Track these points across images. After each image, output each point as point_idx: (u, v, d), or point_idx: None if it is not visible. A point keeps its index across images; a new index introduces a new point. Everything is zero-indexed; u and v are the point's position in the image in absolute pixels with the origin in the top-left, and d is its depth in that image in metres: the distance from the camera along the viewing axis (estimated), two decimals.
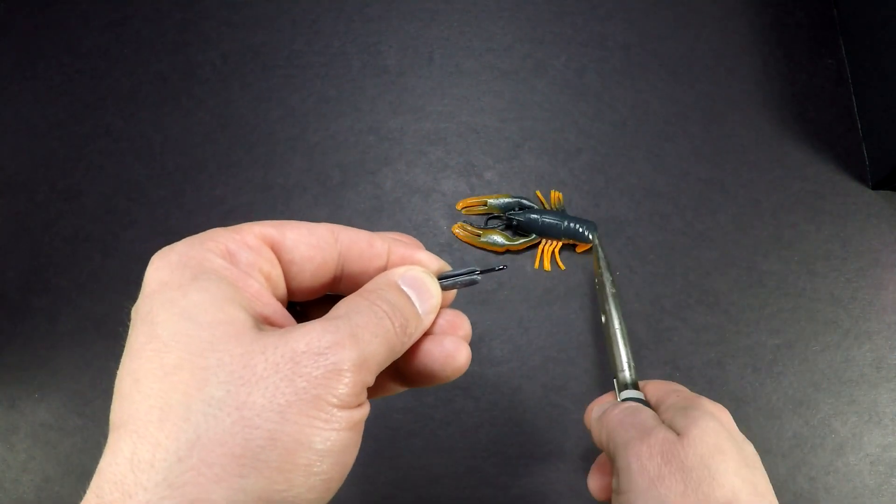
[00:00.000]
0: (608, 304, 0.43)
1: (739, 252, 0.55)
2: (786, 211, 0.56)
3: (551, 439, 0.50)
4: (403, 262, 0.25)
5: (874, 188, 0.56)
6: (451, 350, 0.25)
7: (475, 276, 0.26)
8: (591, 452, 0.50)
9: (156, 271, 0.21)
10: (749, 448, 0.33)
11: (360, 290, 0.24)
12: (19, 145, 0.61)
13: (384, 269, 0.25)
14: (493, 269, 0.29)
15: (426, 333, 0.25)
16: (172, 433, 0.18)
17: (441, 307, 0.26)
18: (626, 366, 0.41)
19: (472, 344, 0.56)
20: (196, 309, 0.20)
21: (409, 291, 0.24)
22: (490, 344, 0.53)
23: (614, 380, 0.41)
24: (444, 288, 0.26)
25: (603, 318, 0.44)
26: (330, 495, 0.20)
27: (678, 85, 0.60)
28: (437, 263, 0.26)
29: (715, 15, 0.63)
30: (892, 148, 0.54)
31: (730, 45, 0.62)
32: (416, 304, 0.24)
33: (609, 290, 0.44)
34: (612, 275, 0.45)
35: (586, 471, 0.49)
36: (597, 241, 0.50)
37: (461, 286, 0.27)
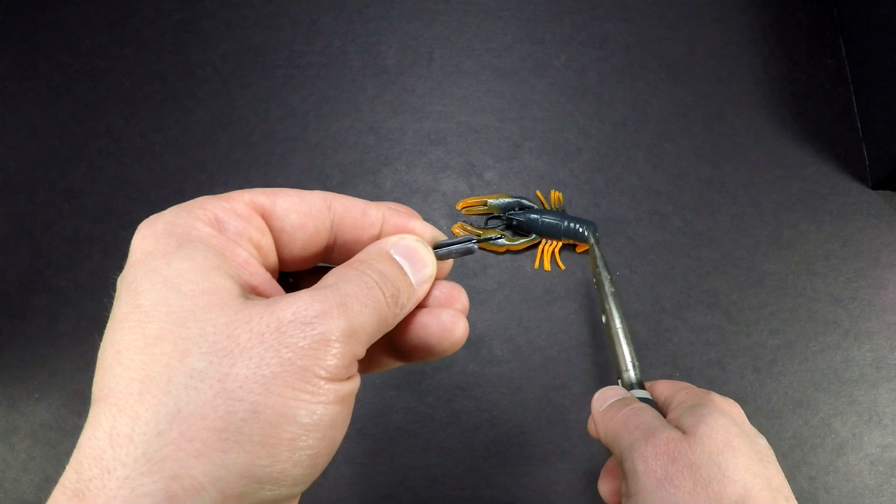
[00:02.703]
0: (608, 304, 0.42)
1: (739, 252, 0.55)
2: (786, 211, 0.56)
3: (551, 439, 0.50)
4: (398, 232, 0.25)
5: (874, 188, 0.56)
6: (448, 323, 0.24)
7: (471, 245, 0.25)
8: (590, 452, 0.50)
9: (141, 240, 0.21)
10: (762, 441, 0.32)
11: (350, 260, 0.23)
12: (19, 145, 0.61)
13: (378, 238, 0.24)
14: (489, 239, 0.29)
15: (421, 306, 0.25)
16: (152, 406, 0.18)
17: (437, 278, 0.25)
18: (629, 365, 0.40)
19: (472, 344, 0.56)
20: (180, 278, 0.19)
21: (402, 261, 0.23)
22: (490, 344, 0.53)
23: (618, 381, 0.40)
24: (439, 258, 0.25)
25: (603, 318, 0.43)
26: (317, 472, 0.20)
27: (678, 85, 0.60)
28: (431, 232, 0.25)
29: (715, 15, 0.63)
30: (892, 148, 0.54)
31: (730, 45, 0.62)
32: (409, 274, 0.23)
33: (608, 288, 0.43)
34: (610, 273, 0.44)
35: (586, 471, 0.50)
36: (593, 241, 0.48)
37: (457, 255, 0.26)
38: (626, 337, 0.41)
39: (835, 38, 0.62)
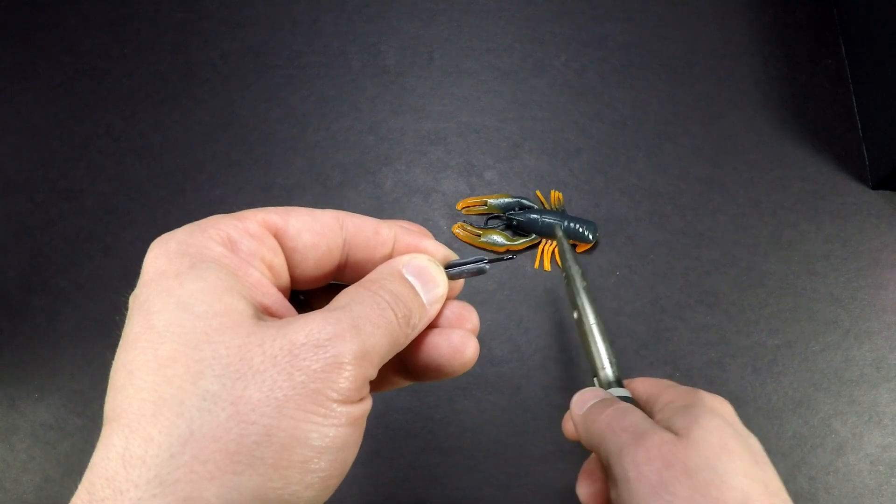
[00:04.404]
0: (580, 299, 0.39)
1: (739, 252, 0.55)
2: (786, 211, 0.56)
3: (551, 439, 0.50)
4: (409, 251, 0.25)
5: (874, 188, 0.56)
6: (459, 344, 0.24)
7: (483, 265, 0.25)
8: (590, 452, 0.50)
9: (154, 259, 0.21)
10: (754, 442, 0.31)
11: (362, 280, 0.23)
12: (19, 145, 0.61)
13: (390, 257, 0.24)
14: (501, 259, 0.28)
15: (432, 326, 0.25)
16: (165, 428, 0.18)
17: (448, 298, 0.25)
18: (606, 362, 0.37)
19: None
20: (192, 298, 0.19)
21: (414, 281, 0.23)
22: (490, 344, 0.53)
23: (595, 378, 0.38)
24: (450, 277, 0.25)
25: (575, 315, 0.40)
26: (328, 493, 0.20)
27: (678, 85, 0.60)
28: (443, 252, 0.25)
29: (715, 15, 0.63)
30: (892, 148, 0.54)
31: (730, 45, 0.62)
32: (421, 294, 0.23)
33: (579, 283, 0.40)
34: (580, 266, 0.41)
35: None
36: (560, 233, 0.44)
37: (468, 275, 0.26)
38: (601, 333, 0.38)
39: (835, 38, 0.62)
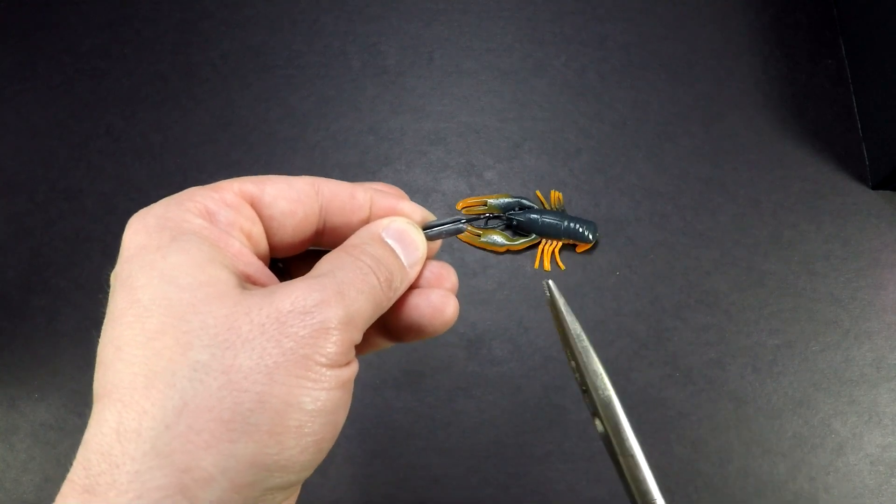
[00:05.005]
0: (589, 389, 0.24)
1: (739, 252, 0.55)
2: (786, 211, 0.56)
3: (551, 439, 0.50)
4: (387, 214, 0.25)
5: (874, 188, 0.56)
6: (439, 304, 0.25)
7: (461, 225, 0.26)
8: (590, 452, 0.50)
9: (134, 234, 0.21)
10: None
11: (343, 245, 0.23)
12: (19, 145, 0.61)
13: (367, 220, 0.25)
14: (478, 218, 0.29)
15: (412, 286, 0.25)
16: (158, 400, 0.18)
17: (426, 258, 0.25)
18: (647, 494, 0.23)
19: (472, 344, 0.56)
20: (176, 271, 0.20)
21: (394, 244, 0.24)
22: (490, 344, 0.53)
23: None
24: (428, 238, 0.25)
25: (599, 427, 0.24)
26: (322, 456, 0.20)
27: (678, 85, 0.60)
28: (420, 213, 0.26)
29: (715, 15, 0.63)
30: (892, 148, 0.54)
31: (730, 45, 0.62)
32: (402, 257, 0.24)
33: (606, 385, 0.24)
34: (583, 335, 0.26)
35: (586, 471, 0.50)
36: (553, 291, 0.27)
37: (446, 236, 0.26)
38: (627, 443, 0.23)
39: (835, 38, 0.62)
